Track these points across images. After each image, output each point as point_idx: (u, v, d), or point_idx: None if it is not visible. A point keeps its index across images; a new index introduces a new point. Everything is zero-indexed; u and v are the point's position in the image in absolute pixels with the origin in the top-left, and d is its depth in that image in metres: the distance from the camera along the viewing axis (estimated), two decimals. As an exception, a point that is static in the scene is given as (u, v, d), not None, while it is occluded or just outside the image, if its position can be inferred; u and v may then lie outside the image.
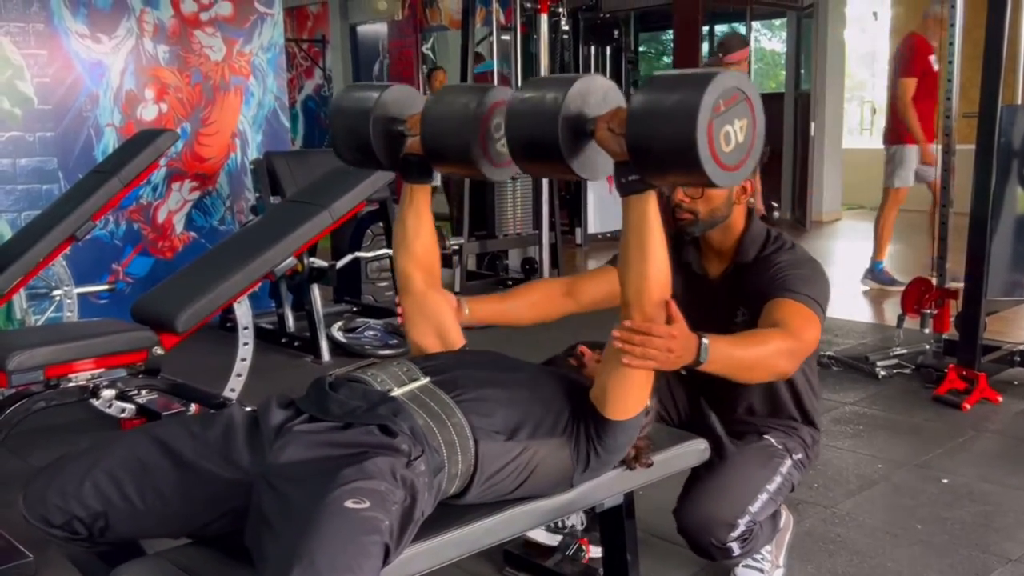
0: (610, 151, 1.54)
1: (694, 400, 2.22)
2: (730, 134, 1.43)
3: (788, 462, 2.12)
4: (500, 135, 1.72)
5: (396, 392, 1.63)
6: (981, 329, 3.71)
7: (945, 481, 2.94)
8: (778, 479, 2.09)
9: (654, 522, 2.36)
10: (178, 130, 4.79)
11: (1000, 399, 3.65)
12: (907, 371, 4.05)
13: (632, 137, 1.46)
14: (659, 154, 1.45)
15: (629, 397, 1.68)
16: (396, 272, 1.98)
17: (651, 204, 1.55)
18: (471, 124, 1.71)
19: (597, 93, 1.57)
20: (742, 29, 10.27)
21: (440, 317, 1.92)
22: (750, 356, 1.79)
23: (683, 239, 2.16)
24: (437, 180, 1.93)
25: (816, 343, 1.94)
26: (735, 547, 2.03)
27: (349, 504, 1.35)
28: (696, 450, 2.02)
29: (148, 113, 5.06)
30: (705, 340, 1.64)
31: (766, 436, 2.14)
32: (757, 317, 1.96)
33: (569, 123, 1.53)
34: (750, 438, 2.13)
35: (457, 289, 5.76)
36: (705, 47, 10.11)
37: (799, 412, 2.19)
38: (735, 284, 2.11)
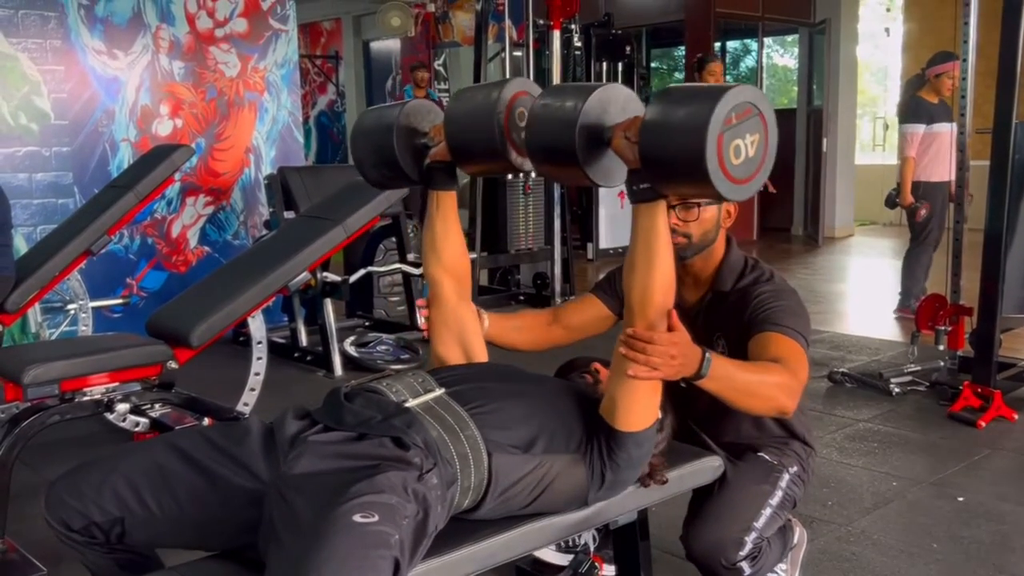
0: (624, 159, 1.56)
1: (684, 423, 2.21)
2: (740, 148, 1.44)
3: (786, 476, 2.12)
4: (524, 124, 1.71)
5: (411, 403, 1.63)
6: (996, 346, 3.69)
7: (961, 499, 2.92)
8: (779, 493, 2.09)
9: (667, 539, 2.35)
10: (193, 145, 4.82)
11: (1016, 417, 3.62)
12: (921, 388, 4.03)
13: (644, 146, 1.48)
14: (669, 164, 1.47)
15: (638, 407, 1.68)
16: (427, 279, 1.96)
17: (660, 214, 1.58)
18: (495, 116, 1.72)
19: (617, 102, 1.59)
20: (754, 45, 10.29)
21: (466, 331, 1.92)
22: (751, 380, 1.77)
23: None
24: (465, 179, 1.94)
25: (807, 379, 1.94)
26: (746, 567, 2.02)
27: (358, 518, 1.35)
28: (711, 467, 2.01)
29: (163, 128, 5.10)
30: (708, 353, 1.65)
31: (760, 453, 2.14)
32: (735, 346, 1.97)
33: (587, 131, 1.55)
34: (746, 456, 2.13)
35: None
36: (717, 63, 10.13)
37: (784, 430, 2.18)
38: (713, 312, 2.11)
